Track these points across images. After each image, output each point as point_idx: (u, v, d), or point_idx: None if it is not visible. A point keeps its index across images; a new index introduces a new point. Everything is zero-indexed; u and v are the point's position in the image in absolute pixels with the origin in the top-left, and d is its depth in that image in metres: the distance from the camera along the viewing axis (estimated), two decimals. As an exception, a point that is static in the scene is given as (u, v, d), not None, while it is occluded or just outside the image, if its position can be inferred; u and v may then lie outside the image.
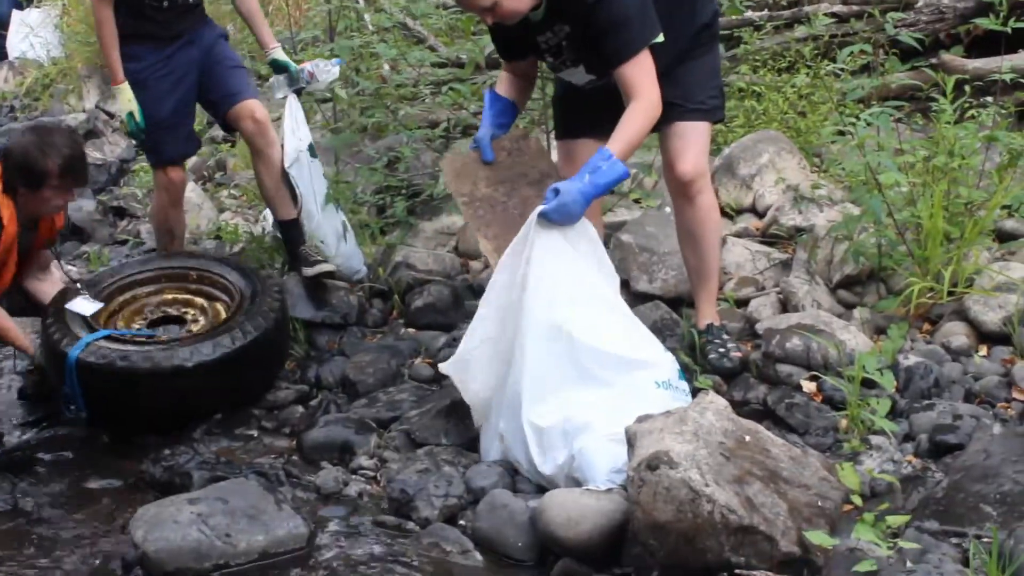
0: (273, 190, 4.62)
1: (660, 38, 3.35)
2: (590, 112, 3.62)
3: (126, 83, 4.42)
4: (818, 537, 2.64)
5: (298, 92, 4.73)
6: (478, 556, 3.02)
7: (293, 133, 4.64)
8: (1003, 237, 4.30)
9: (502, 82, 3.75)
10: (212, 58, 4.56)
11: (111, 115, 8.50)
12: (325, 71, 4.72)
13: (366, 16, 6.65)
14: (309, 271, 4.47)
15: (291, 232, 4.67)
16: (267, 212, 5.11)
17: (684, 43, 3.53)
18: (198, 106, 4.72)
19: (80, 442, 3.90)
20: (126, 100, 4.43)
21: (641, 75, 3.32)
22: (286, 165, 4.58)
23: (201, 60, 4.54)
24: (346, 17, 6.52)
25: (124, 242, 6.15)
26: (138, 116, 4.42)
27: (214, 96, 4.61)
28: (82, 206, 6.48)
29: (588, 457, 3.08)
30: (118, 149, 7.98)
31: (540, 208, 3.27)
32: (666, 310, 4.06)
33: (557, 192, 3.25)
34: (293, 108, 4.69)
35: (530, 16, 3.40)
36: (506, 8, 3.30)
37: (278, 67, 4.71)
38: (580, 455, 3.09)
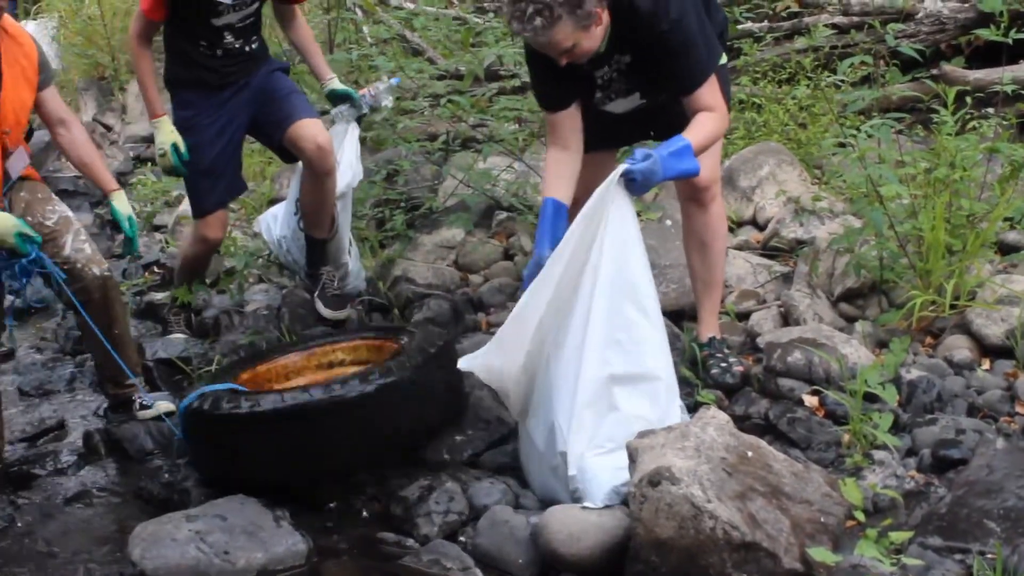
0: (317, 207, 4.46)
1: (724, 59, 3.35)
2: (611, 128, 3.58)
3: (166, 116, 4.26)
4: (821, 554, 2.62)
5: (358, 120, 4.60)
6: (479, 573, 2.98)
7: (350, 167, 4.51)
8: (1005, 249, 4.29)
9: (554, 180, 3.39)
10: (265, 93, 4.36)
11: (108, 127, 8.48)
12: (385, 92, 4.59)
13: (365, 28, 6.67)
14: (328, 314, 4.48)
15: (316, 251, 4.58)
16: (261, 220, 5.01)
17: None
18: None
19: (78, 458, 3.87)
20: (167, 132, 4.24)
21: (714, 94, 3.30)
22: (336, 195, 4.46)
23: (253, 99, 4.37)
24: (345, 29, 6.53)
25: (121, 256, 6.12)
26: (182, 147, 4.23)
27: (269, 128, 4.39)
28: (79, 219, 6.44)
29: (589, 473, 3.06)
30: (115, 162, 7.96)
31: (624, 167, 3.08)
32: (667, 323, 4.04)
33: (648, 156, 3.09)
34: (354, 139, 4.54)
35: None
36: (585, 48, 3.19)
37: (337, 97, 4.53)
38: (581, 471, 3.07)
